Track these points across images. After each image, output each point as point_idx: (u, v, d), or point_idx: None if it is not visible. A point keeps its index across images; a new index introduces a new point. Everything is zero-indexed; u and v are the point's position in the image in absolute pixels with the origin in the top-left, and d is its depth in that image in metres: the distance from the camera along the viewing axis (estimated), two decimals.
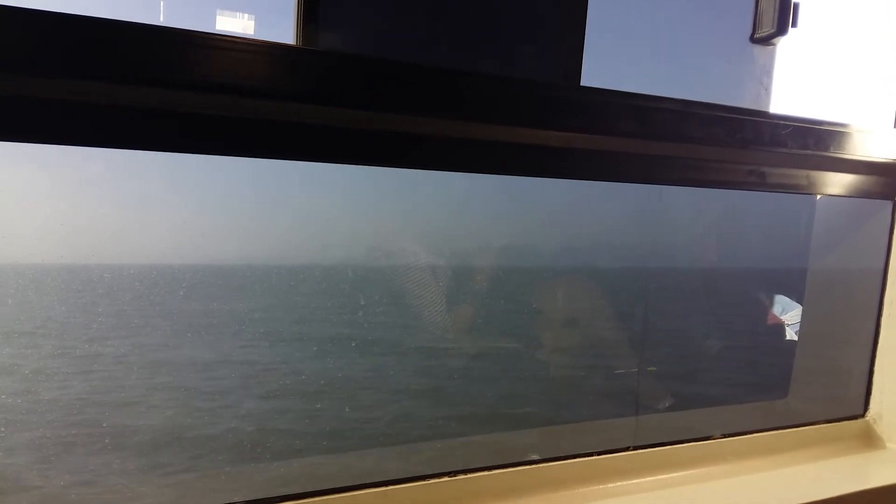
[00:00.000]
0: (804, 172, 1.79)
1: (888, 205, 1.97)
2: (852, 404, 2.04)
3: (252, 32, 1.25)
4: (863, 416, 2.03)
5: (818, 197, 2.13)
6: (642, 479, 1.65)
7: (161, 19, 1.20)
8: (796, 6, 1.66)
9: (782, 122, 1.64)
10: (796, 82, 1.91)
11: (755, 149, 1.64)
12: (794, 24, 1.67)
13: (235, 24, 1.27)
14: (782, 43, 1.72)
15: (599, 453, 1.63)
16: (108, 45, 0.97)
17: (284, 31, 1.18)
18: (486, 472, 1.49)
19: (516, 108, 1.33)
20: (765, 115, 1.65)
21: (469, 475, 1.47)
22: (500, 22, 1.39)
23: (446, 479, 1.44)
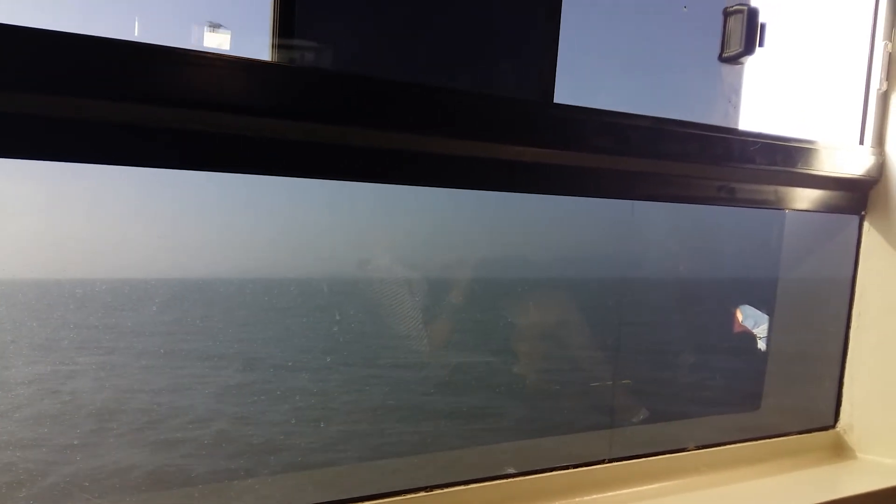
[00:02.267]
0: (773, 188, 1.83)
1: (856, 219, 2.01)
2: (823, 415, 2.08)
3: (228, 48, 1.25)
4: (833, 426, 2.06)
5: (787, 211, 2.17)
6: (618, 492, 1.66)
7: (135, 34, 1.20)
8: (763, 26, 1.70)
9: (751, 139, 1.67)
10: (764, 100, 1.95)
11: (725, 165, 1.67)
12: (761, 44, 1.71)
13: (211, 39, 1.27)
14: (750, 62, 1.76)
15: (575, 466, 1.64)
16: (83, 60, 0.96)
17: (261, 48, 1.18)
18: (462, 487, 1.49)
19: (491, 124, 1.34)
20: (734, 131, 1.69)
21: (445, 490, 1.46)
22: (474, 39, 1.41)
23: (423, 493, 1.44)
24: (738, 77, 1.84)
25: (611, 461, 1.69)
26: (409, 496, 1.42)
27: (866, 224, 1.99)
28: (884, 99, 1.94)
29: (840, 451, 2.04)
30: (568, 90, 1.46)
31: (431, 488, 1.45)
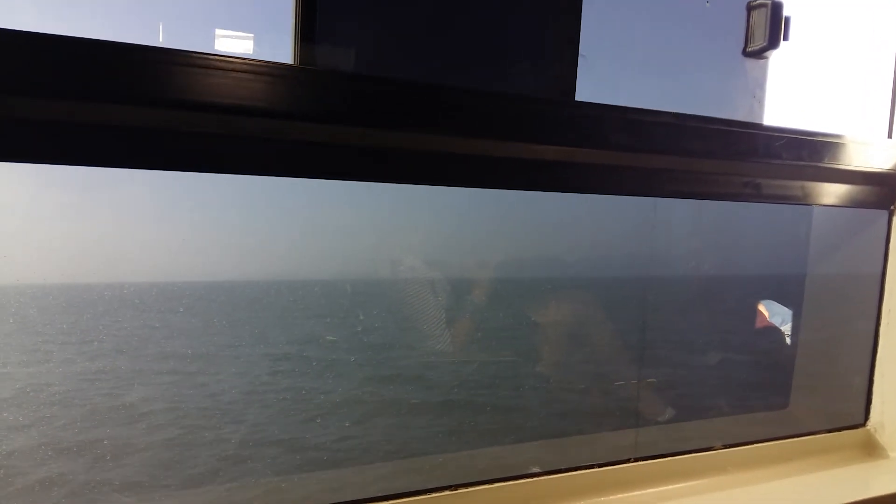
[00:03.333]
0: (799, 183, 1.81)
1: (884, 214, 1.98)
2: (853, 413, 2.05)
3: (251, 52, 1.26)
4: (864, 425, 2.03)
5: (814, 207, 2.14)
6: (643, 491, 1.65)
7: (160, 40, 1.21)
8: (787, 20, 1.68)
9: (776, 134, 1.65)
10: (790, 94, 1.93)
11: (750, 161, 1.65)
12: (785, 38, 1.69)
13: (233, 43, 1.28)
14: (774, 56, 1.74)
15: (601, 465, 1.63)
16: (108, 66, 0.98)
17: (283, 50, 1.19)
18: (487, 486, 1.49)
19: (512, 123, 1.34)
20: (759, 127, 1.67)
21: (470, 488, 1.47)
22: (495, 38, 1.41)
23: (447, 492, 1.44)
24: (763, 72, 1.82)
25: (636, 460, 1.68)
26: (433, 495, 1.42)
27: (895, 219, 1.96)
28: None
29: (871, 449, 2.01)
30: (589, 88, 1.45)
31: (456, 487, 1.45)
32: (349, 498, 1.40)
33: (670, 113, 1.51)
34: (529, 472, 1.56)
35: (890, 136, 1.93)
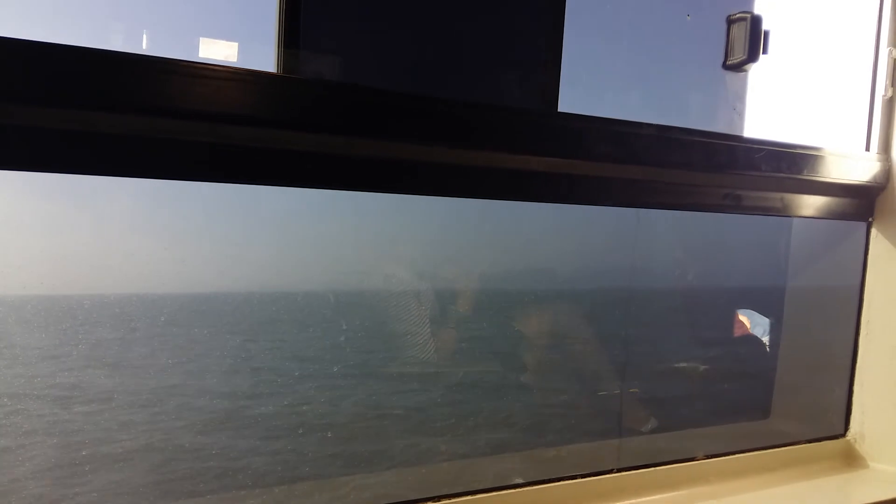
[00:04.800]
0: (779, 195, 1.83)
1: (863, 226, 2.00)
2: (833, 424, 2.06)
3: (235, 60, 1.25)
4: (844, 435, 2.05)
5: (794, 219, 2.16)
6: (626, 502, 1.65)
7: (144, 47, 1.21)
8: (767, 33, 1.70)
9: (756, 146, 1.67)
10: (769, 107, 1.95)
11: (731, 172, 1.67)
12: (765, 51, 1.71)
13: (218, 51, 1.28)
14: (754, 69, 1.76)
15: (583, 476, 1.63)
16: (92, 73, 0.97)
17: (267, 59, 1.19)
18: (469, 497, 1.48)
19: (496, 133, 1.34)
20: (739, 139, 1.68)
21: (453, 499, 1.46)
22: (479, 49, 1.41)
23: (430, 503, 1.43)
24: (743, 84, 1.84)
25: (619, 471, 1.68)
26: None
27: (874, 231, 1.98)
28: (889, 105, 1.93)
29: (851, 459, 2.02)
30: (572, 100, 1.46)
31: (439, 498, 1.44)
32: None
33: (652, 124, 1.52)
34: (512, 482, 1.55)
35: (868, 148, 1.95)
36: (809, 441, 2.02)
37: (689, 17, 1.80)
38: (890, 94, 1.92)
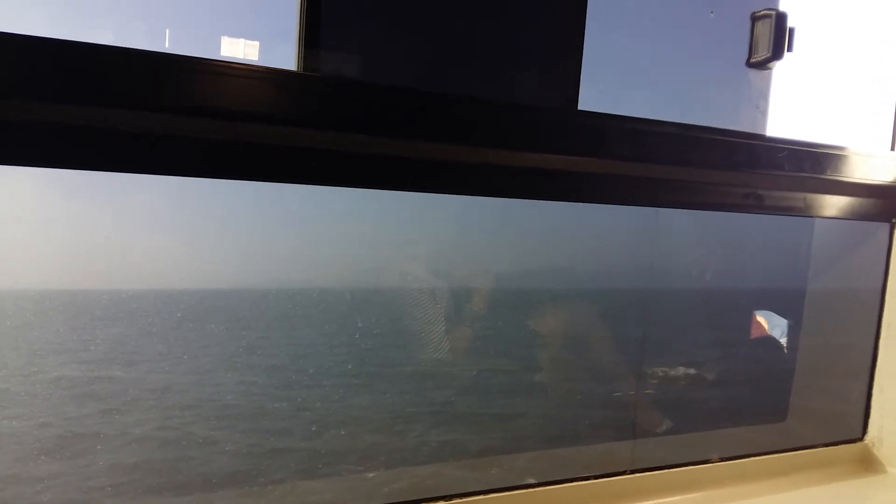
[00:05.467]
0: (801, 195, 1.80)
1: (886, 226, 1.97)
2: (851, 427, 2.04)
3: (256, 58, 1.26)
4: (861, 439, 2.02)
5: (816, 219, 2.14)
6: (640, 503, 1.64)
7: (166, 46, 1.22)
8: (791, 31, 1.68)
9: (779, 146, 1.65)
10: (793, 106, 1.93)
11: (752, 172, 1.65)
12: (789, 49, 1.69)
13: (239, 49, 1.28)
14: (778, 67, 1.74)
15: (596, 477, 1.62)
16: (114, 71, 0.98)
17: (288, 59, 1.19)
18: (481, 496, 1.48)
19: (515, 132, 1.34)
20: (761, 138, 1.66)
21: (465, 499, 1.46)
22: (499, 47, 1.41)
23: (442, 502, 1.43)
24: (766, 82, 1.82)
25: (633, 472, 1.67)
26: None
27: None
28: None
29: (868, 464, 2.00)
30: (592, 98, 1.45)
31: (451, 497, 1.44)
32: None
33: (673, 123, 1.50)
34: (525, 482, 1.55)
35: (893, 148, 1.92)
36: (827, 445, 1.99)
37: (712, 14, 1.78)
38: None
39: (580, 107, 1.43)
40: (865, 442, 2.02)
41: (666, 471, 1.71)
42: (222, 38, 1.26)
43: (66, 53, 0.95)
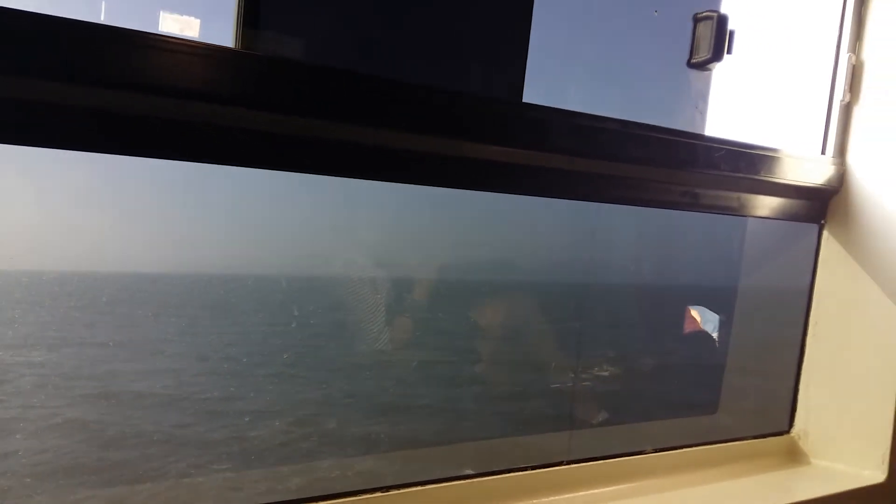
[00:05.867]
0: (736, 194, 1.85)
1: (815, 228, 2.04)
2: (779, 420, 2.10)
3: (196, 35, 1.21)
4: (788, 432, 2.09)
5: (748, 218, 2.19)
6: (576, 494, 1.66)
7: (102, 18, 1.16)
8: (732, 33, 1.71)
9: (716, 146, 1.68)
10: (730, 107, 1.97)
11: (690, 170, 1.68)
12: (729, 51, 1.72)
13: (178, 26, 1.23)
14: (718, 69, 1.77)
15: (533, 468, 1.63)
16: (44, 40, 0.93)
17: (227, 36, 1.15)
18: (419, 487, 1.47)
19: (458, 121, 1.33)
20: (700, 137, 1.70)
21: (402, 490, 1.45)
22: (446, 35, 1.39)
23: (379, 494, 1.42)
24: (706, 83, 1.85)
25: (569, 463, 1.69)
26: (365, 496, 1.40)
27: (825, 233, 2.03)
28: (846, 110, 1.97)
29: (794, 455, 2.07)
30: (536, 91, 1.45)
31: (388, 489, 1.43)
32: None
33: (615, 119, 1.52)
34: (463, 473, 1.55)
35: (823, 152, 1.99)
36: (755, 437, 2.06)
37: (656, 13, 1.80)
38: (847, 98, 1.95)
39: (525, 100, 1.43)
40: (792, 435, 2.09)
41: (602, 462, 1.74)
42: (160, 13, 1.21)
43: None
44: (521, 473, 1.61)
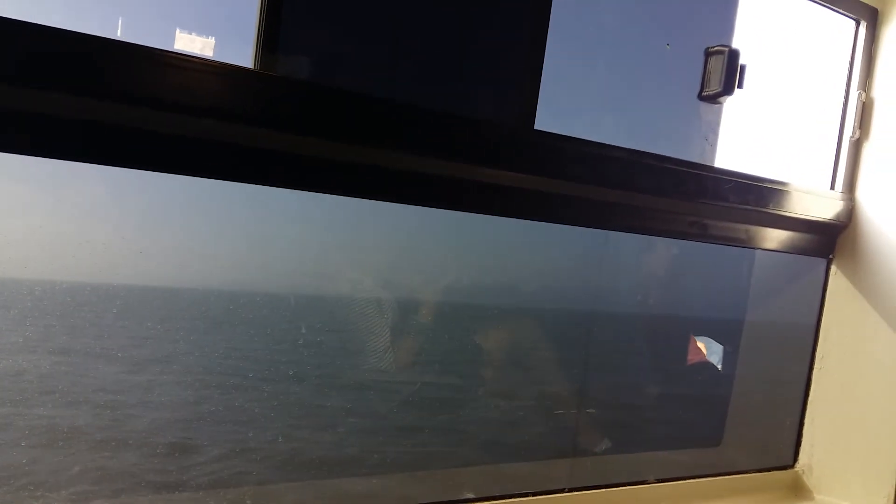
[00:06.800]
0: (744, 227, 1.85)
1: (823, 262, 2.04)
2: (783, 455, 2.09)
3: (211, 55, 1.23)
4: (792, 466, 2.08)
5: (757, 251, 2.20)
6: None
7: (118, 34, 1.18)
8: (743, 67, 1.73)
9: (725, 178, 1.69)
10: (740, 140, 1.99)
11: (698, 201, 1.69)
12: (740, 85, 1.74)
13: (194, 45, 1.26)
14: (728, 102, 1.79)
15: (535, 494, 1.62)
16: (63, 55, 0.95)
17: (245, 59, 1.17)
18: None
19: (471, 146, 1.34)
20: (709, 169, 1.71)
21: None
22: (460, 62, 1.41)
23: None
24: (717, 116, 1.87)
25: (570, 490, 1.68)
26: None
27: (833, 267, 2.02)
28: (856, 146, 1.98)
29: (798, 490, 2.05)
30: (548, 118, 1.46)
31: None
32: None
33: (625, 149, 1.53)
34: (464, 497, 1.54)
35: (833, 187, 1.99)
36: (759, 470, 2.04)
37: (668, 47, 1.82)
38: (857, 135, 1.96)
39: (537, 127, 1.44)
40: (796, 469, 2.07)
41: (603, 490, 1.73)
42: (177, 31, 1.24)
43: (12, 33, 0.91)
44: (522, 499, 1.60)
